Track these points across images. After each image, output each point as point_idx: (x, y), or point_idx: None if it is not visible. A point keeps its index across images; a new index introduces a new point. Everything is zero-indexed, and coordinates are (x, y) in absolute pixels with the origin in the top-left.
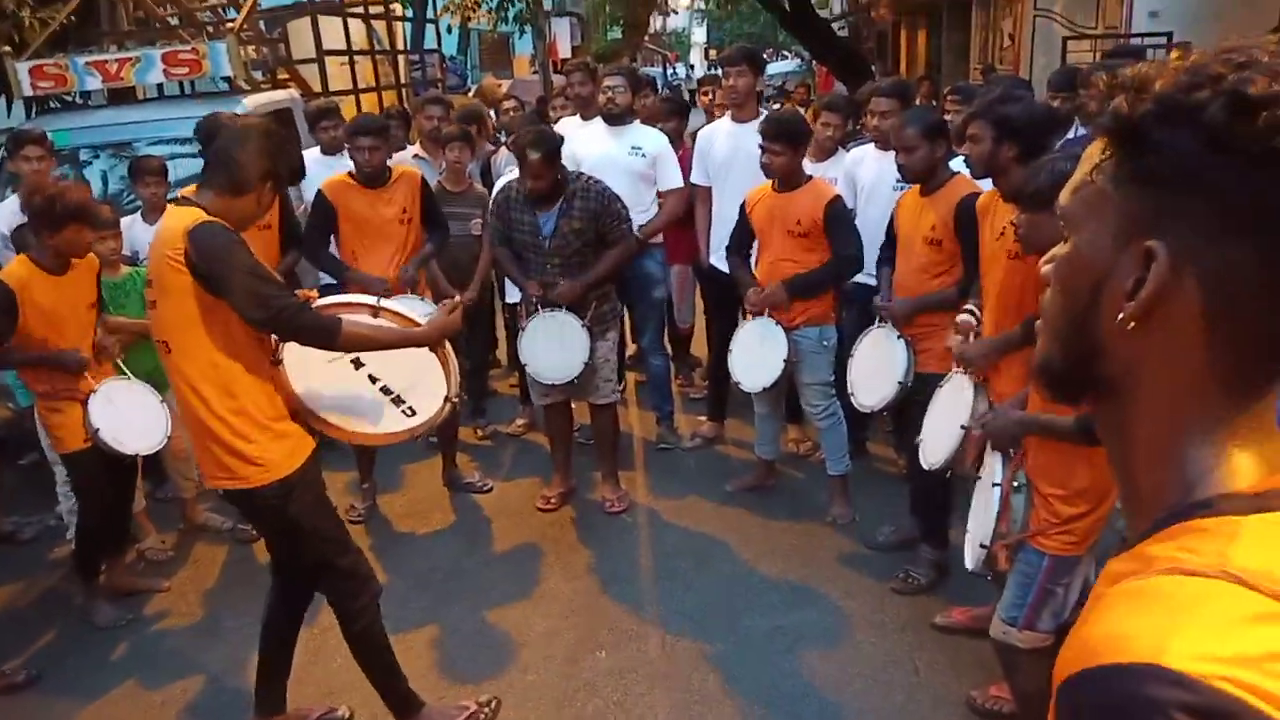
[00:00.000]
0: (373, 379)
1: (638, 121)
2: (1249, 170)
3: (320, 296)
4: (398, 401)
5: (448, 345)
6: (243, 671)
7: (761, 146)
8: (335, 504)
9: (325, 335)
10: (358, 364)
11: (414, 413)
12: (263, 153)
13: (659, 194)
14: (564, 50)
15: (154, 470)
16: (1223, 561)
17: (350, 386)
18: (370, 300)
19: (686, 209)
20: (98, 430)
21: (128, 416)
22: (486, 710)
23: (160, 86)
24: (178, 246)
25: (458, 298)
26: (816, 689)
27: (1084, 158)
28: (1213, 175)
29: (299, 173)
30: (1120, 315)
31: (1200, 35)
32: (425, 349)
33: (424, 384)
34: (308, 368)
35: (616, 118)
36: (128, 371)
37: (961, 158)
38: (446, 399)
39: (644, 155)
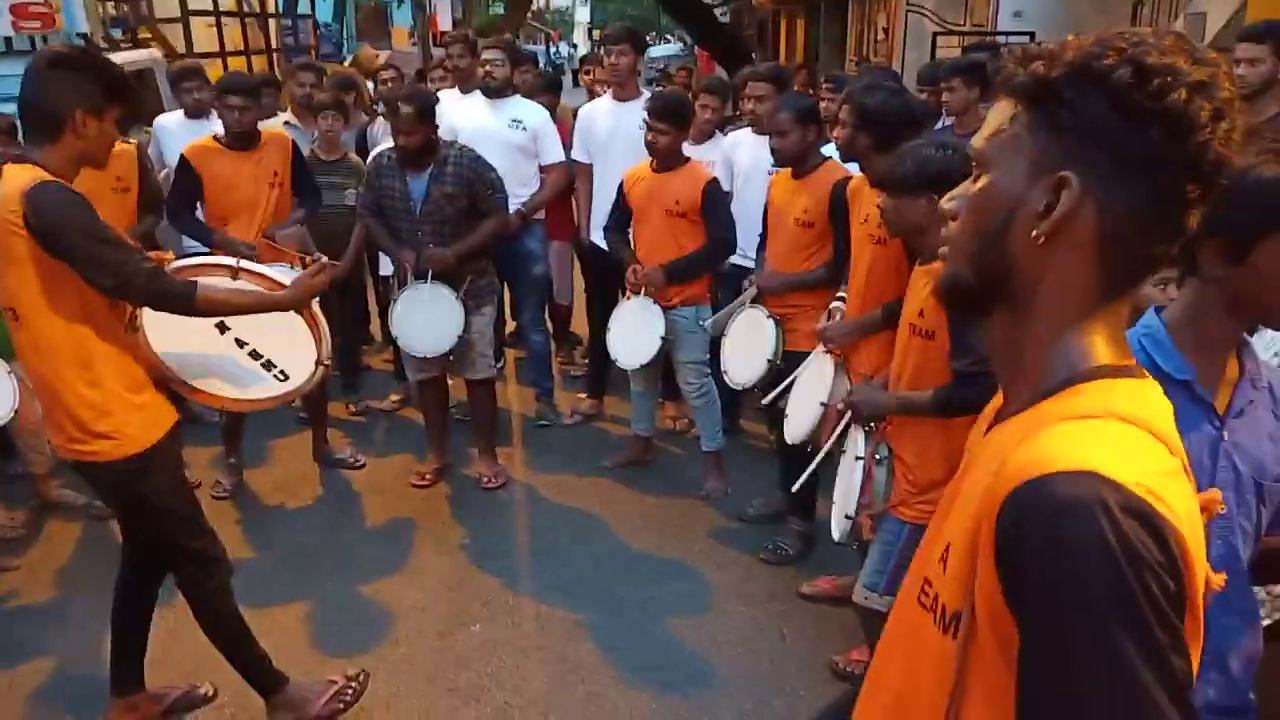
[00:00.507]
0: (240, 343)
1: (518, 95)
2: (1142, 125)
3: (177, 259)
4: (268, 366)
5: (315, 308)
6: (98, 652)
7: (647, 124)
8: (200, 479)
9: (180, 301)
10: (223, 328)
11: (286, 377)
12: (62, 80)
13: (541, 169)
14: (444, 23)
15: (2, 445)
16: (1108, 407)
17: (217, 351)
18: (230, 262)
19: (568, 185)
20: None
21: None
22: (354, 685)
23: (9, 40)
24: (15, 209)
25: (324, 259)
26: (687, 657)
27: (990, 116)
28: (1114, 128)
29: (115, 89)
30: (1034, 232)
31: (1059, 35)
32: (292, 312)
33: (294, 348)
34: (170, 332)
35: (495, 91)
36: None
37: (833, 143)
38: (318, 362)
39: (524, 129)
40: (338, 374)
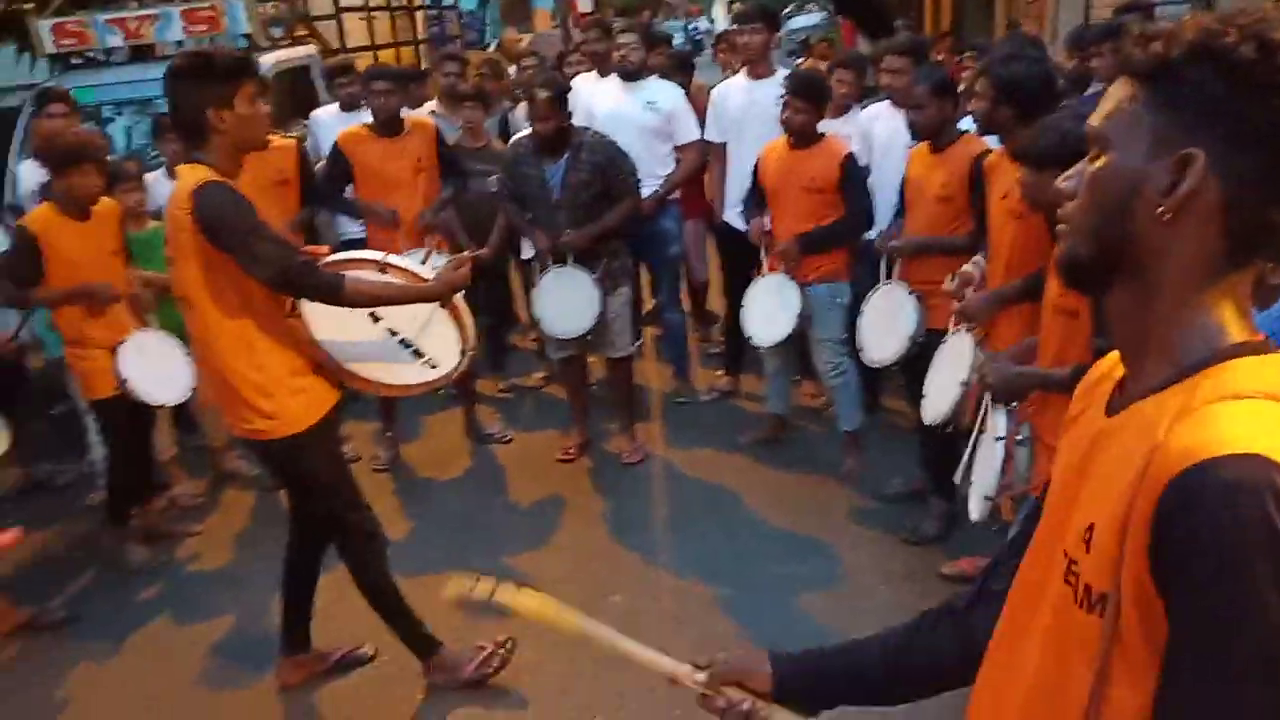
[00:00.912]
0: (391, 332)
1: (654, 76)
2: (1265, 98)
3: (332, 254)
4: (418, 354)
5: (459, 300)
6: (269, 613)
7: (785, 101)
8: (359, 453)
9: (329, 291)
10: (375, 317)
11: (434, 365)
12: (187, 86)
13: (676, 149)
14: (585, 5)
15: (184, 419)
16: (1262, 387)
17: (371, 339)
18: (377, 257)
19: (703, 164)
20: (126, 380)
21: (156, 367)
22: (503, 650)
23: (180, 43)
24: (185, 207)
25: (467, 254)
26: (824, 635)
27: (1107, 95)
28: (1238, 102)
29: (235, 73)
30: (1160, 209)
31: None
32: (437, 304)
33: (441, 337)
34: (329, 321)
35: (631, 75)
36: (157, 324)
37: (970, 116)
38: (463, 351)
39: (659, 110)
40: (486, 354)
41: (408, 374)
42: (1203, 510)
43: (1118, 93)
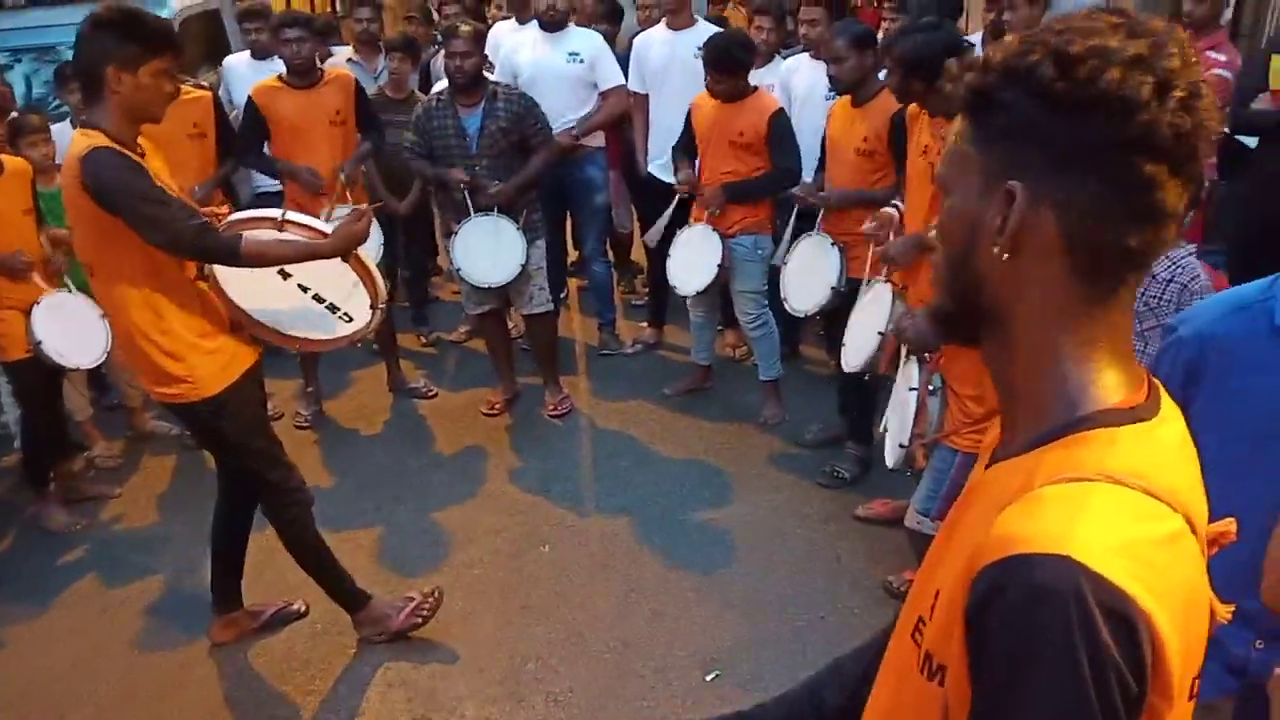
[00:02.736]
0: (303, 288)
1: (573, 25)
2: (1077, 116)
3: (234, 213)
4: (332, 309)
5: (363, 253)
6: (197, 571)
7: (706, 72)
8: (281, 410)
9: (227, 253)
10: (284, 275)
11: (350, 319)
12: (93, 42)
13: (601, 94)
14: None
15: (98, 379)
16: (1103, 466)
17: (283, 295)
18: (275, 214)
19: (625, 112)
20: (39, 342)
21: (70, 329)
22: (431, 599)
23: None
24: (75, 173)
25: (365, 207)
26: (745, 575)
27: (949, 132)
28: (1048, 124)
29: (149, 41)
30: (995, 249)
31: None
32: (339, 259)
33: (355, 292)
34: (240, 280)
35: (552, 25)
36: (71, 285)
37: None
38: (373, 306)
39: (582, 61)
40: (408, 306)
41: (323, 329)
42: (999, 606)
43: (952, 132)
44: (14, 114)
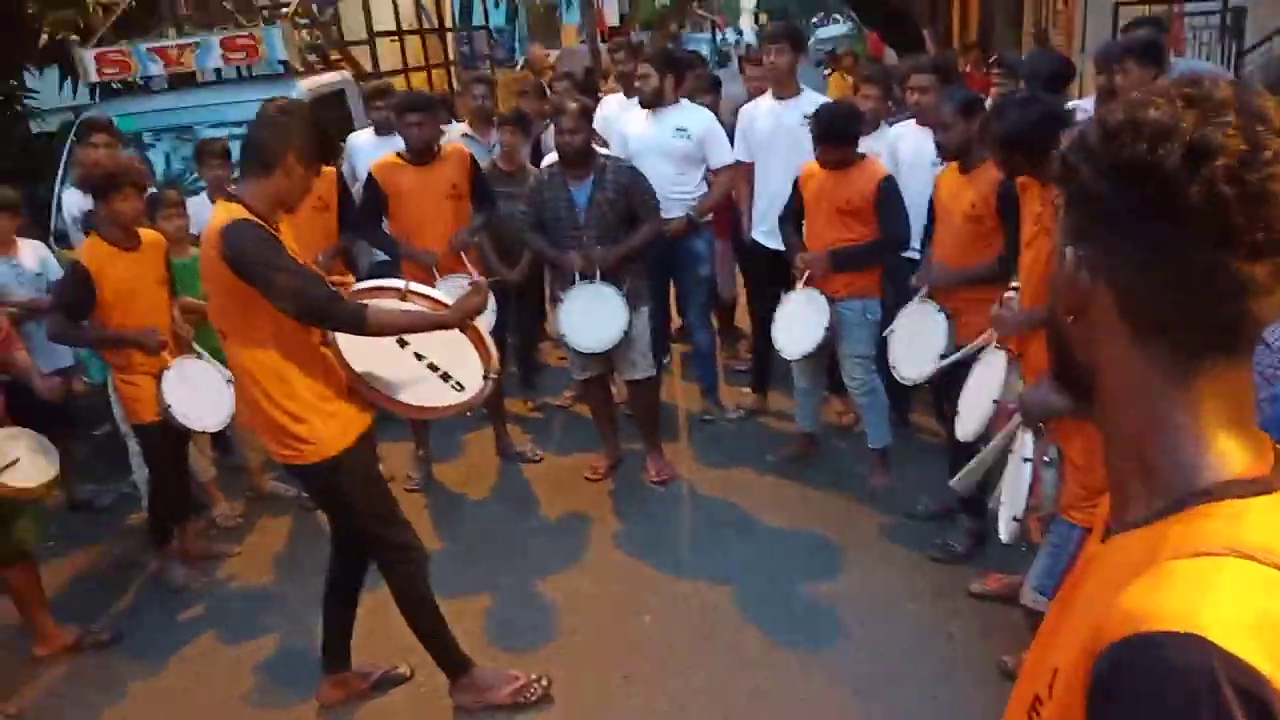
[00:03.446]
0: (419, 356)
1: (685, 101)
2: (1115, 183)
3: (362, 280)
4: (445, 378)
5: (479, 324)
6: (309, 632)
7: (816, 145)
8: (392, 473)
9: (353, 322)
10: (402, 343)
11: (462, 388)
12: (281, 129)
13: (710, 171)
14: (612, 18)
15: (222, 441)
16: (1232, 541)
17: (400, 363)
18: (399, 284)
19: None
20: (169, 406)
21: (197, 393)
22: (536, 685)
23: (219, 71)
24: (215, 244)
25: (483, 280)
26: (853, 651)
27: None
28: (1095, 191)
29: (324, 145)
30: (1067, 313)
31: (1255, 3)
32: (459, 329)
33: (468, 361)
34: (360, 346)
35: (649, 103)
36: (201, 351)
37: None
38: (486, 376)
39: (689, 137)
40: (516, 371)
41: (436, 397)
42: (1127, 687)
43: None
44: (152, 189)
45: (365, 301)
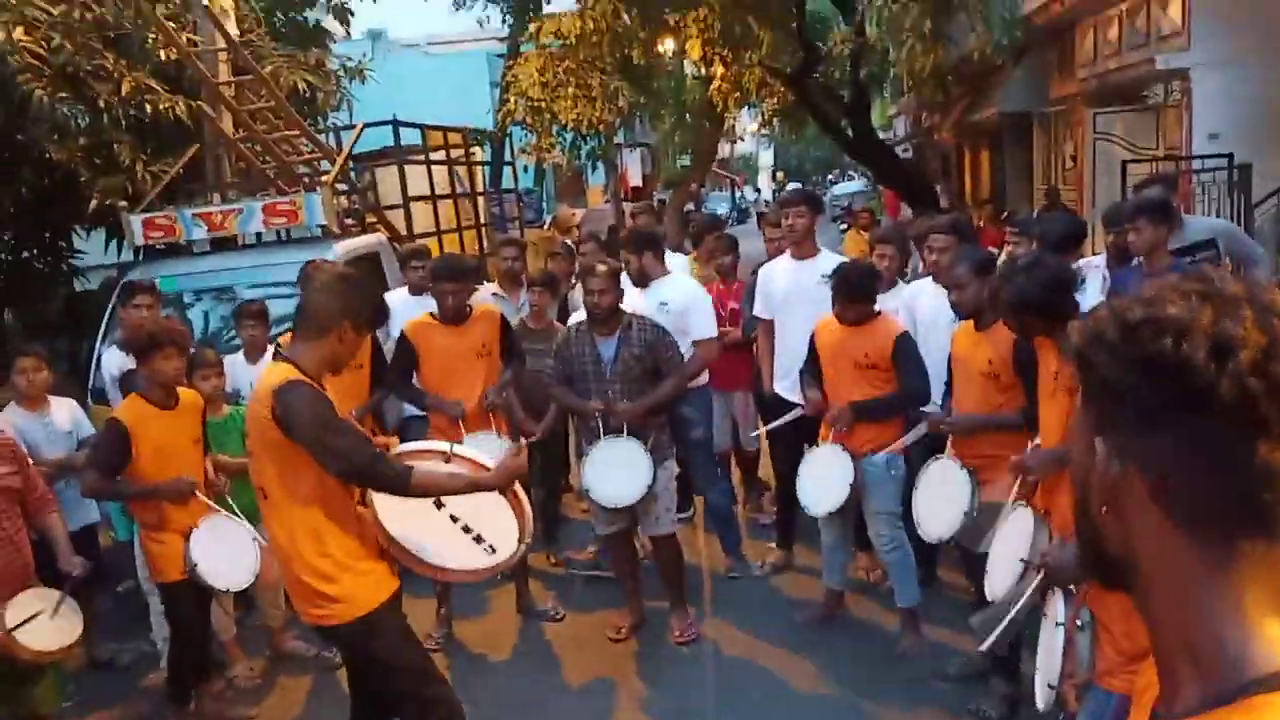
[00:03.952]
0: (453, 518)
1: (674, 274)
2: (1142, 378)
3: (400, 438)
4: (478, 540)
5: (518, 487)
6: None
7: (835, 302)
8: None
9: (398, 484)
10: (439, 504)
11: (494, 550)
12: (339, 296)
13: (694, 344)
14: (635, 179)
15: (242, 598)
16: None
17: (434, 525)
18: (443, 448)
19: (732, 344)
20: (196, 565)
21: (223, 551)
22: None
23: (259, 235)
24: (266, 403)
25: (523, 442)
26: None
27: None
28: (1121, 385)
29: (378, 313)
30: (1097, 504)
31: (1260, 157)
32: (496, 492)
33: (500, 523)
34: (395, 508)
35: (635, 282)
36: (233, 506)
37: None
38: (520, 539)
39: (669, 311)
40: (538, 524)
41: (468, 559)
42: None
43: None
44: (191, 350)
45: (410, 464)
